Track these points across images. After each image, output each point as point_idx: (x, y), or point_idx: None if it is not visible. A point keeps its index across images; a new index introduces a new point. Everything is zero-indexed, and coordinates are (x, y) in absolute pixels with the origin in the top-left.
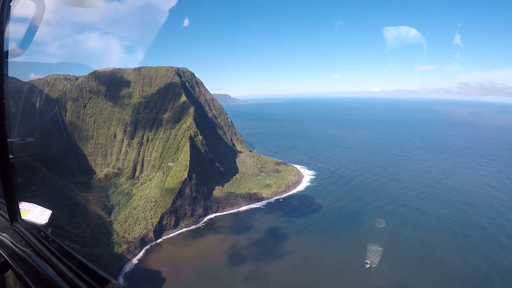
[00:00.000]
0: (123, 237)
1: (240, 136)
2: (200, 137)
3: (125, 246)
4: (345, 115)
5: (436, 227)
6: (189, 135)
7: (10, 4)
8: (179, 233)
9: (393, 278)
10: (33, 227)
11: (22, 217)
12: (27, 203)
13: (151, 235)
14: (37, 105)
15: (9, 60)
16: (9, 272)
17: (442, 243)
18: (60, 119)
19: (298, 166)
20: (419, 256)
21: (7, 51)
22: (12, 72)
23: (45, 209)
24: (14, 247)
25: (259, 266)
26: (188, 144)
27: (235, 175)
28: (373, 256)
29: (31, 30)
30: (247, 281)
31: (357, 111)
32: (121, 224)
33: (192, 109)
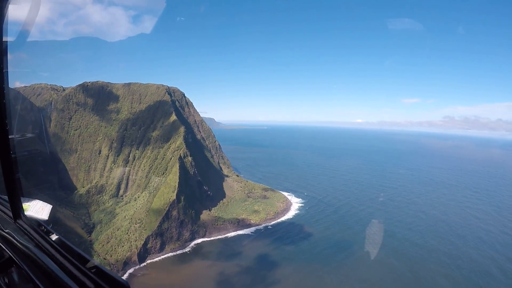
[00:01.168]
0: (105, 258)
1: (227, 160)
2: (190, 158)
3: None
4: (330, 144)
5: (426, 258)
6: (178, 156)
7: (9, 2)
8: (165, 257)
9: None
10: (35, 223)
11: (25, 214)
12: (28, 199)
13: (135, 258)
14: (21, 113)
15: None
16: (14, 268)
17: (434, 274)
18: (44, 129)
19: (285, 193)
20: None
21: (7, 48)
22: None
23: (46, 204)
24: (18, 244)
25: None
26: (177, 165)
27: (223, 200)
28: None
29: (28, 27)
30: None
31: (342, 140)
32: (103, 245)
33: (182, 129)
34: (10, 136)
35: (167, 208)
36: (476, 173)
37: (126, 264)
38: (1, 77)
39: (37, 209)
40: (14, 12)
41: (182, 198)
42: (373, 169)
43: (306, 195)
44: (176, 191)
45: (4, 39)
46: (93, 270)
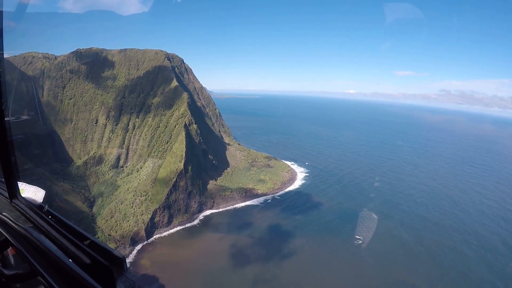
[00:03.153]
0: (109, 235)
1: (228, 128)
2: (195, 126)
3: (112, 246)
4: (324, 115)
5: (434, 231)
6: (183, 123)
7: None
8: (173, 231)
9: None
10: (32, 203)
11: (22, 194)
12: (24, 182)
13: (142, 233)
14: (11, 83)
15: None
16: (10, 249)
17: (444, 248)
18: (36, 99)
19: (288, 163)
20: (425, 258)
21: (2, 28)
22: None
23: (40, 189)
24: (13, 224)
25: (267, 267)
26: (183, 133)
27: (227, 169)
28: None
29: (23, 5)
30: (257, 285)
31: (336, 111)
32: (106, 220)
33: (185, 95)
34: (6, 119)
35: (175, 179)
36: (472, 147)
37: (134, 240)
38: None
39: (32, 190)
40: None
41: (189, 168)
42: (371, 140)
43: (308, 165)
44: (183, 161)
45: None
46: (89, 246)
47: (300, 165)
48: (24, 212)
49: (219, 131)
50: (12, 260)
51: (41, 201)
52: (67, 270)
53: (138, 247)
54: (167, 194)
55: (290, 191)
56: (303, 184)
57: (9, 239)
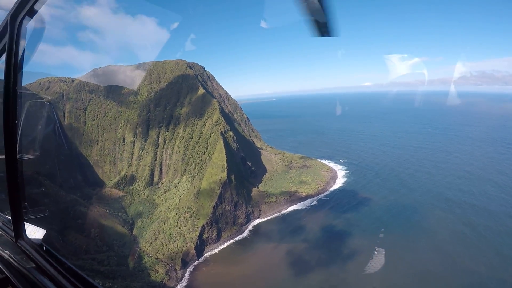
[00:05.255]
0: (156, 258)
1: (258, 133)
2: (231, 133)
3: (162, 271)
4: (344, 110)
5: (486, 217)
6: (219, 131)
7: (26, 26)
8: (225, 247)
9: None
10: (38, 245)
11: (28, 236)
12: (32, 222)
13: (192, 252)
14: (30, 110)
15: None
16: None
17: (499, 234)
18: (58, 123)
19: (325, 161)
20: (483, 247)
21: (22, 69)
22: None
23: (41, 229)
24: (16, 264)
25: (331, 272)
26: (221, 141)
27: (265, 174)
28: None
29: (36, 45)
30: None
31: (356, 105)
32: (151, 243)
33: (215, 102)
34: (18, 157)
35: (219, 190)
36: (500, 127)
37: (184, 261)
38: (14, 97)
39: (41, 232)
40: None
41: (233, 177)
42: (398, 130)
43: (344, 162)
44: (225, 171)
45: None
46: None
47: (336, 163)
48: (29, 253)
49: (250, 136)
50: None
51: (46, 242)
52: None
53: (190, 268)
54: (213, 208)
55: (334, 190)
56: (345, 181)
57: (10, 278)
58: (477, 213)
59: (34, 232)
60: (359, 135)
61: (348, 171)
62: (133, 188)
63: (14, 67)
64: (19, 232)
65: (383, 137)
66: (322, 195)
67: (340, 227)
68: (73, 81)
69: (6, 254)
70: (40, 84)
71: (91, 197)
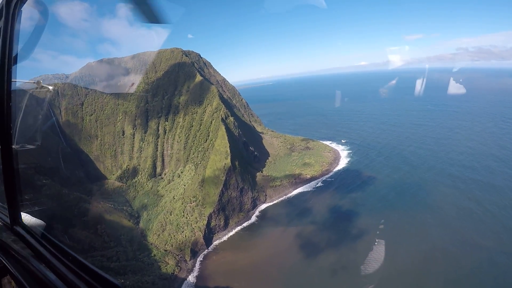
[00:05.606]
0: (165, 250)
1: (258, 117)
2: (232, 118)
3: (172, 262)
4: (343, 90)
5: (491, 192)
6: (220, 118)
7: (21, 9)
8: (233, 233)
9: None
10: (35, 231)
11: (24, 221)
12: (28, 209)
13: (201, 241)
14: (25, 109)
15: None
16: (8, 277)
17: (505, 209)
18: (55, 121)
19: (327, 142)
20: (489, 221)
21: (16, 55)
22: None
23: (39, 220)
24: (13, 252)
25: (341, 252)
26: (223, 128)
27: (268, 158)
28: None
29: (37, 34)
30: (337, 273)
31: (352, 86)
32: (159, 235)
33: (214, 88)
34: (13, 146)
35: (224, 177)
36: (498, 102)
37: (193, 251)
38: (8, 84)
39: (33, 220)
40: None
41: (237, 163)
42: (397, 109)
43: (345, 142)
44: (229, 157)
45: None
46: (88, 274)
47: (338, 144)
48: (25, 239)
49: (250, 121)
50: (8, 287)
51: (43, 229)
52: None
53: (200, 257)
54: (219, 195)
55: (338, 171)
56: (348, 161)
57: (8, 266)
58: (482, 188)
59: (31, 219)
60: (358, 115)
61: (350, 151)
62: (136, 181)
63: (9, 52)
64: (15, 217)
65: (382, 116)
66: (327, 176)
67: (347, 207)
68: (67, 77)
69: (3, 242)
70: (33, 82)
71: (94, 193)
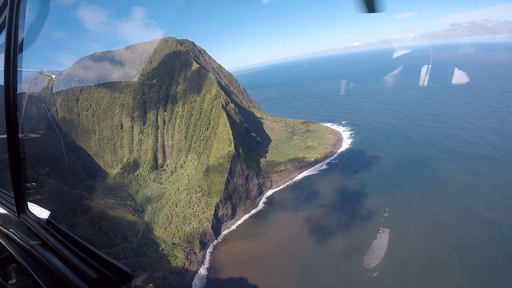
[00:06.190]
0: (173, 243)
1: (256, 103)
2: (232, 105)
3: (181, 255)
4: (336, 72)
5: (496, 167)
6: (220, 105)
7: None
8: (241, 222)
9: None
10: (41, 219)
11: (31, 211)
12: (35, 197)
13: (210, 232)
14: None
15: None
16: (14, 265)
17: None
18: (51, 118)
19: (327, 124)
20: (497, 196)
21: (21, 45)
22: None
23: (44, 209)
24: (19, 240)
25: (352, 234)
26: (224, 115)
27: (270, 143)
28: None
29: (41, 23)
30: (350, 256)
31: (347, 66)
32: (165, 228)
33: (212, 75)
34: (19, 135)
35: (229, 165)
36: (494, 76)
37: (203, 243)
38: (14, 73)
39: (38, 209)
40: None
41: (240, 150)
42: (394, 87)
43: (346, 123)
44: (233, 144)
45: (19, 38)
46: (97, 261)
47: (339, 125)
48: (32, 227)
49: (249, 107)
50: (15, 276)
51: (49, 217)
52: (71, 286)
53: (210, 248)
54: (225, 184)
55: (342, 152)
56: (351, 142)
57: (14, 254)
58: (486, 163)
59: (37, 207)
60: (356, 95)
61: (352, 132)
62: (138, 174)
63: (15, 43)
64: (21, 206)
65: (380, 95)
66: (331, 158)
67: (354, 188)
68: (61, 73)
69: (8, 230)
70: (27, 80)
71: (95, 189)
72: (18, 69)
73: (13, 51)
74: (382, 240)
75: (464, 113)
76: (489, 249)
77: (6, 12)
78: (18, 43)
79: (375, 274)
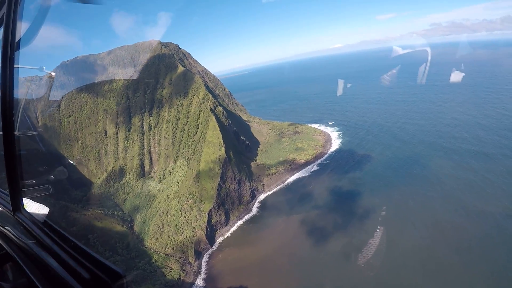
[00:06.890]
0: (166, 254)
1: (242, 106)
2: (220, 108)
3: (176, 267)
4: (318, 73)
5: (486, 161)
6: (209, 108)
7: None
8: (236, 228)
9: None
10: (36, 218)
11: (27, 209)
12: (30, 196)
13: (204, 240)
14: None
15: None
16: (10, 263)
17: (503, 175)
18: (31, 126)
19: (315, 125)
20: (490, 190)
21: (19, 41)
22: None
23: (43, 205)
24: (15, 239)
25: (350, 234)
26: (213, 118)
27: (259, 146)
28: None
29: (40, 20)
30: (351, 256)
31: (329, 69)
32: (157, 238)
33: (198, 78)
34: (15, 133)
35: (220, 170)
36: (475, 73)
37: (197, 252)
38: (11, 69)
39: (36, 207)
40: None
41: (231, 154)
42: (378, 87)
43: (333, 124)
44: (223, 148)
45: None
46: (90, 262)
47: (326, 126)
48: (27, 226)
49: (235, 110)
50: (11, 274)
51: (45, 216)
52: (65, 286)
53: (205, 258)
54: (217, 189)
55: (332, 153)
56: (340, 142)
57: (10, 253)
58: (475, 157)
59: (33, 206)
60: (340, 96)
61: (340, 132)
62: (124, 182)
63: (12, 37)
64: (17, 204)
65: (364, 95)
66: (321, 159)
67: (347, 188)
68: (41, 79)
69: (4, 229)
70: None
71: (80, 199)
72: (15, 66)
73: (10, 48)
74: (381, 238)
75: (448, 109)
76: (488, 241)
77: (4, 9)
78: (16, 40)
79: (377, 272)
